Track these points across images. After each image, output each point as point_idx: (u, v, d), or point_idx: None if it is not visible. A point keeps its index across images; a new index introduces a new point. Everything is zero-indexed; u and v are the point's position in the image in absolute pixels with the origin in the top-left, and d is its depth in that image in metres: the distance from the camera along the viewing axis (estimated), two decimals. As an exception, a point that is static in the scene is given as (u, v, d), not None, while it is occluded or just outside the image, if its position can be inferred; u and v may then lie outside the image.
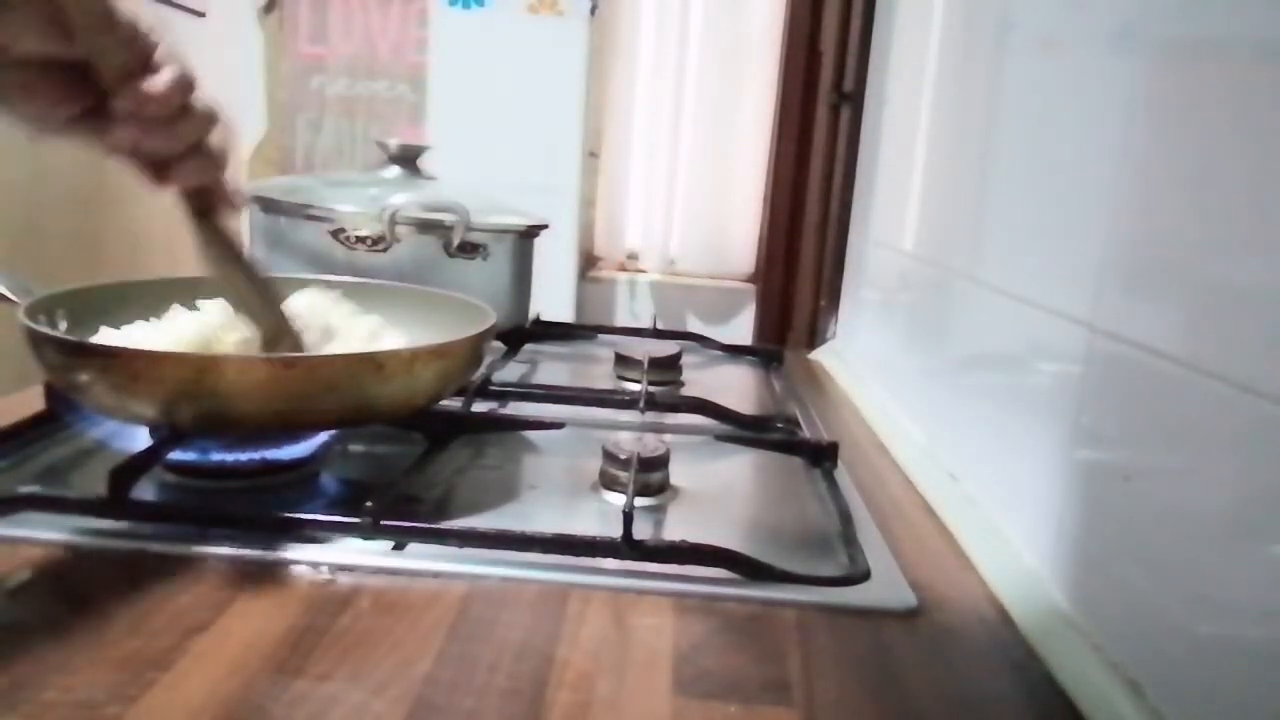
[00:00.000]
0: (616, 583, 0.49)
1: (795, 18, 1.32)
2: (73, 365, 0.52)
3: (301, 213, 0.86)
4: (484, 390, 0.79)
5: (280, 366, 0.52)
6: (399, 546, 0.51)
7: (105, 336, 0.60)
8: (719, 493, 0.65)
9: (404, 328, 0.72)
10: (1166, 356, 0.43)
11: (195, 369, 0.51)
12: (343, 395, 0.54)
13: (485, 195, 0.96)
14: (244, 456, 0.59)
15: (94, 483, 0.52)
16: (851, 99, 1.17)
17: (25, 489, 0.52)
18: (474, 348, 0.62)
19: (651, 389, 0.81)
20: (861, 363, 1.05)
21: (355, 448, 0.68)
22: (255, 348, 0.59)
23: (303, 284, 0.71)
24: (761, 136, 1.41)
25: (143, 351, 0.52)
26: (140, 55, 0.45)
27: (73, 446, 0.63)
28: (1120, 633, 0.44)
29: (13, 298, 0.59)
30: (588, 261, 1.45)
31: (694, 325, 1.42)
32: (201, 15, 1.27)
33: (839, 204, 1.20)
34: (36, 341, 0.53)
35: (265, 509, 0.52)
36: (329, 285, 0.76)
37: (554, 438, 0.71)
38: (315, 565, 0.49)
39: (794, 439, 0.74)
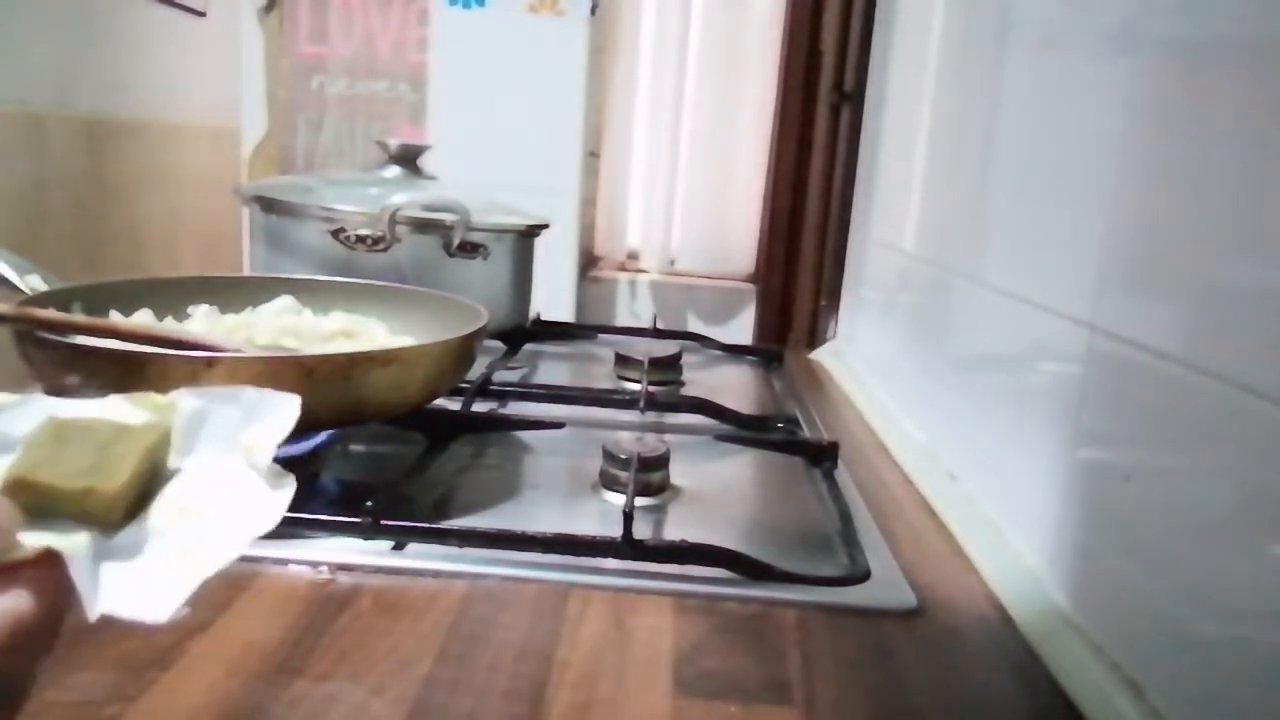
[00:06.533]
0: (616, 583, 0.49)
1: (795, 17, 1.32)
2: (68, 366, 0.52)
3: (302, 212, 0.86)
4: (484, 390, 0.79)
5: (262, 364, 0.52)
6: (399, 546, 0.51)
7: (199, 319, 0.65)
8: (719, 493, 0.65)
9: (398, 328, 0.72)
10: (1167, 357, 0.43)
11: (188, 369, 0.51)
12: (332, 394, 0.54)
13: (485, 195, 0.96)
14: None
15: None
16: (852, 98, 1.17)
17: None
18: (462, 347, 0.62)
19: (652, 389, 0.81)
20: (861, 363, 1.05)
21: (355, 448, 0.68)
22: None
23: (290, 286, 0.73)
24: (762, 136, 1.41)
25: (132, 352, 0.52)
26: None
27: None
28: (1120, 633, 0.44)
29: (19, 284, 0.60)
30: (588, 261, 1.44)
31: (694, 325, 1.42)
32: (202, 15, 1.27)
33: (839, 203, 1.20)
34: (25, 344, 0.53)
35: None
36: (324, 286, 0.76)
37: (554, 438, 0.71)
38: (315, 565, 0.49)
39: (794, 439, 0.74)
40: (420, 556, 0.50)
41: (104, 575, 0.23)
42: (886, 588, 0.51)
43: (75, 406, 0.27)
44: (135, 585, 0.23)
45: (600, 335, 1.12)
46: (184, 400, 0.28)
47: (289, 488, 0.27)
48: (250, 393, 0.28)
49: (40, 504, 0.24)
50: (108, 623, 0.41)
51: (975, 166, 0.73)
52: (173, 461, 0.27)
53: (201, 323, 0.68)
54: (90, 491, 0.24)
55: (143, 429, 0.26)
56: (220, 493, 0.26)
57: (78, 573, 0.23)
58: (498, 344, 0.98)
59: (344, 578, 0.48)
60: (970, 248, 0.73)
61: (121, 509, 0.25)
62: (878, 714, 0.41)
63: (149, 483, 0.26)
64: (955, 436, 0.71)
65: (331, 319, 0.71)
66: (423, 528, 0.52)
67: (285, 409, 0.28)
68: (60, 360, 0.52)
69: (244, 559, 0.48)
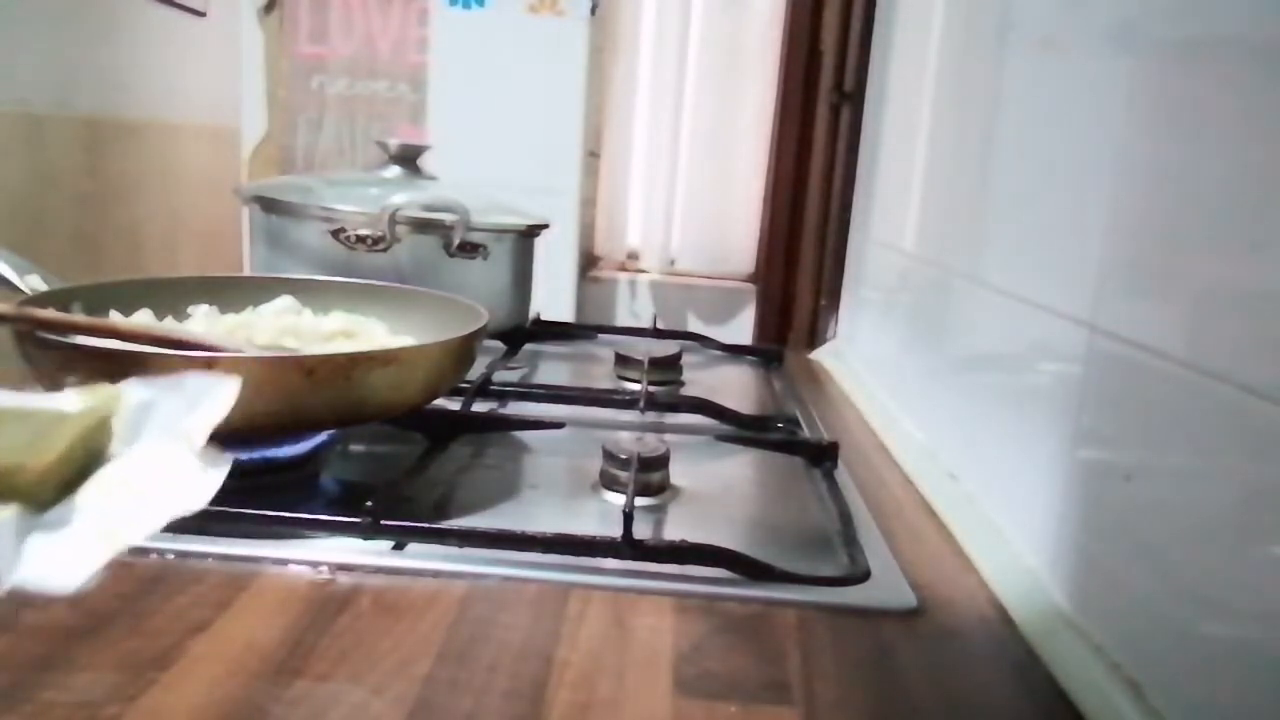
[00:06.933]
0: (616, 583, 0.49)
1: (795, 17, 1.32)
2: (68, 366, 0.52)
3: (302, 212, 0.86)
4: (484, 390, 0.79)
5: (262, 365, 0.52)
6: (399, 546, 0.51)
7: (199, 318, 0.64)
8: (719, 493, 0.65)
9: (399, 328, 0.72)
10: (1167, 357, 0.43)
11: (188, 369, 0.51)
12: (332, 394, 0.54)
13: (485, 195, 0.96)
14: (244, 456, 0.59)
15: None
16: (852, 98, 1.17)
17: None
18: (462, 347, 0.62)
19: (652, 389, 0.81)
20: (861, 363, 1.05)
21: (355, 448, 0.68)
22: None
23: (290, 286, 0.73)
24: (762, 136, 1.41)
25: (132, 352, 0.52)
26: None
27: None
28: (1120, 633, 0.44)
29: (19, 284, 0.60)
30: (588, 261, 1.45)
31: (694, 325, 1.42)
32: (202, 15, 1.27)
33: (839, 203, 1.20)
34: (25, 344, 0.53)
35: (265, 509, 0.52)
36: (324, 286, 0.76)
37: (554, 438, 0.71)
38: (315, 565, 0.49)
39: (794, 439, 0.74)
40: (420, 556, 0.50)
41: (26, 547, 0.24)
42: (886, 588, 0.51)
43: (17, 397, 0.27)
44: (52, 556, 0.23)
45: (600, 335, 1.12)
46: (131, 391, 0.29)
47: (223, 467, 0.27)
48: (193, 380, 0.29)
49: None
50: (108, 623, 0.41)
51: (975, 166, 0.73)
52: (117, 450, 0.27)
53: (201, 323, 0.68)
54: (20, 468, 0.25)
55: (80, 414, 0.27)
56: (152, 473, 0.27)
57: None
58: (498, 344, 0.98)
59: (344, 578, 0.48)
60: (970, 248, 0.73)
61: (51, 486, 0.25)
62: (878, 714, 0.41)
63: (84, 465, 0.26)
64: (955, 436, 0.71)
65: (331, 319, 0.71)
66: (423, 528, 0.52)
67: (223, 393, 0.29)
68: (60, 360, 0.52)
69: (244, 559, 0.48)
